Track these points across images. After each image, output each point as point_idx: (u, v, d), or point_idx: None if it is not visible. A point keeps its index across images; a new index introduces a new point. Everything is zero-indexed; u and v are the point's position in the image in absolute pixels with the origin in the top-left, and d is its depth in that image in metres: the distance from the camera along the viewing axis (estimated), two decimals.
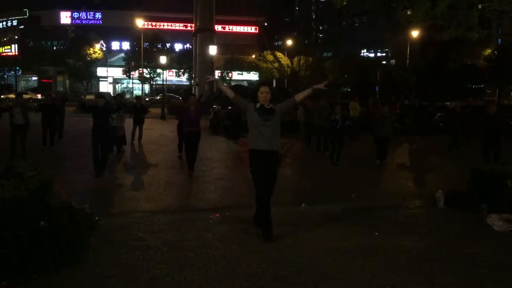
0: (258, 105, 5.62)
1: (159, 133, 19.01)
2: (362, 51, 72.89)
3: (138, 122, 15.68)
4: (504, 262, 5.05)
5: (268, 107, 5.60)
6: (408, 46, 38.30)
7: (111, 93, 50.26)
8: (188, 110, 10.41)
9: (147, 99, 45.29)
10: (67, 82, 65.37)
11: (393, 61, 51.87)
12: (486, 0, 7.86)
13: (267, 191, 5.64)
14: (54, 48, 63.53)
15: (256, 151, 5.63)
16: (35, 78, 66.53)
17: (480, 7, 8.64)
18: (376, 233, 5.91)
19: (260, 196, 5.67)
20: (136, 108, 15.85)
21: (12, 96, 43.42)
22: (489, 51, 44.35)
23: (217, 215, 6.82)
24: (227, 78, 58.62)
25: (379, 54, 69.74)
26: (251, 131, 5.72)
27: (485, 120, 10.92)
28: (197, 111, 10.42)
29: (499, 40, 45.28)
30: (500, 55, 41.49)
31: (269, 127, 5.58)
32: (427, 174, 11.67)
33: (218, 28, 51.75)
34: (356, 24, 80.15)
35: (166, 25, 64.99)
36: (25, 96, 29.86)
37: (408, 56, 38.92)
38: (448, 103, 15.43)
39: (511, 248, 5.53)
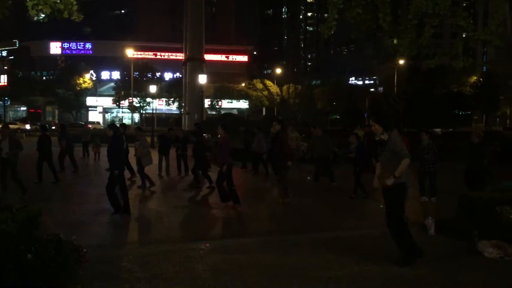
0: None
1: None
2: (351, 78, 74.00)
3: (163, 153, 15.27)
4: None
5: None
6: (396, 74, 38.92)
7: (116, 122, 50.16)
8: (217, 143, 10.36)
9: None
10: (56, 112, 65.34)
11: (380, 89, 52.60)
12: (470, 29, 8.01)
13: None
14: (44, 78, 63.74)
15: None
16: (24, 108, 66.42)
17: (464, 36, 8.81)
18: (369, 261, 5.88)
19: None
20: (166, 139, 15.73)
21: None
22: (475, 78, 45.24)
23: (207, 245, 6.77)
24: (217, 106, 58.93)
25: (367, 82, 70.85)
26: None
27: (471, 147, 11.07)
28: (220, 143, 9.93)
29: (484, 68, 46.28)
30: (485, 82, 42.30)
31: None
32: (417, 201, 11.67)
33: (208, 57, 52.28)
34: (344, 53, 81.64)
35: (156, 55, 65.64)
36: (13, 126, 29.64)
37: (395, 84, 39.49)
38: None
39: (502, 274, 5.53)
